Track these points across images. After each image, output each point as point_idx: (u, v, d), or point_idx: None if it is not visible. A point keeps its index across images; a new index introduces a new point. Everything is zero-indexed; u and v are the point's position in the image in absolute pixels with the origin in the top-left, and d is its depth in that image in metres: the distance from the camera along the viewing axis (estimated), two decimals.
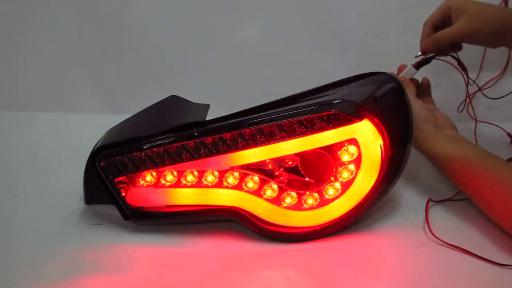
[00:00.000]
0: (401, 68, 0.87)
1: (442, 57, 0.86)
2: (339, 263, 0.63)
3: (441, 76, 1.09)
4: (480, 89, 1.02)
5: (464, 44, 0.84)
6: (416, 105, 0.76)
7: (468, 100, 0.98)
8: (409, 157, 0.67)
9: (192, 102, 0.76)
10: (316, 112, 0.62)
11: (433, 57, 0.85)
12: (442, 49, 0.83)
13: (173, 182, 0.68)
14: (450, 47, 0.83)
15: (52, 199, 0.78)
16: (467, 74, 0.89)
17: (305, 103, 0.67)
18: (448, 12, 0.80)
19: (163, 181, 0.68)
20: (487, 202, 0.67)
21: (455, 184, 0.73)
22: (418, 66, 0.85)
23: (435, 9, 0.83)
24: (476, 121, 1.05)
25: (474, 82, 0.97)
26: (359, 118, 0.63)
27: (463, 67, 0.87)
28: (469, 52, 0.87)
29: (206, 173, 0.67)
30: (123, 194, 0.68)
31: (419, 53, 0.85)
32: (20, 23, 1.10)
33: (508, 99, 1.04)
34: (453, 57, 0.86)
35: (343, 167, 0.66)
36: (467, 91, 0.94)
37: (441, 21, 0.82)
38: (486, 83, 1.08)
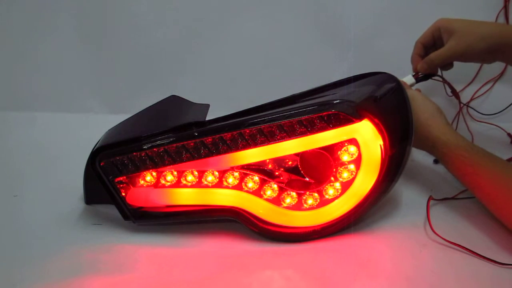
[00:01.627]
0: None
1: (438, 79, 0.89)
2: (339, 263, 0.63)
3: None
4: (466, 104, 1.05)
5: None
6: (427, 100, 0.78)
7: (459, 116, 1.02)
8: (409, 157, 0.67)
9: (192, 102, 0.76)
10: (316, 112, 0.62)
11: (430, 76, 0.87)
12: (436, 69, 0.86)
13: (173, 182, 0.68)
14: (444, 66, 0.86)
15: (52, 199, 0.78)
16: (459, 101, 0.93)
17: (305, 103, 0.67)
18: (438, 33, 0.83)
19: (163, 181, 0.68)
20: (490, 196, 0.67)
21: (457, 174, 0.72)
22: (417, 80, 0.87)
23: (427, 26, 0.85)
24: (476, 121, 1.06)
25: (466, 105, 1.02)
26: (359, 118, 0.63)
27: (456, 94, 0.90)
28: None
29: (206, 173, 0.67)
30: (123, 194, 0.68)
31: (413, 73, 0.87)
32: (20, 23, 1.10)
33: (508, 101, 1.04)
34: (449, 85, 0.89)
35: (343, 167, 0.66)
36: (459, 113, 0.99)
37: (431, 42, 0.85)
38: (475, 94, 1.09)
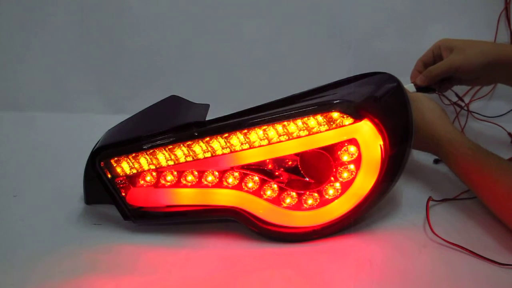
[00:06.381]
0: None
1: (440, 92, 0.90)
2: (339, 263, 0.63)
3: None
4: (465, 108, 1.04)
5: None
6: (432, 101, 0.79)
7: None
8: (409, 157, 0.67)
9: (192, 102, 0.76)
10: (316, 112, 0.62)
11: (432, 90, 0.88)
12: (436, 83, 0.87)
13: (173, 182, 0.68)
14: (448, 83, 0.87)
15: (52, 199, 0.78)
16: (466, 107, 0.97)
17: (305, 103, 0.67)
18: (438, 51, 0.86)
19: (163, 181, 0.68)
20: (493, 194, 0.68)
21: (460, 172, 0.72)
22: (417, 89, 0.87)
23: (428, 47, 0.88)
24: (477, 120, 1.06)
25: (467, 109, 1.02)
26: (359, 118, 0.63)
27: (461, 102, 0.94)
28: None
29: (206, 173, 0.67)
30: (123, 194, 0.68)
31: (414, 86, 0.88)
32: (20, 23, 1.10)
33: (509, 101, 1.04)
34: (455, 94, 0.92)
35: (343, 167, 0.66)
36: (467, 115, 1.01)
37: (432, 60, 0.87)
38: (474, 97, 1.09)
